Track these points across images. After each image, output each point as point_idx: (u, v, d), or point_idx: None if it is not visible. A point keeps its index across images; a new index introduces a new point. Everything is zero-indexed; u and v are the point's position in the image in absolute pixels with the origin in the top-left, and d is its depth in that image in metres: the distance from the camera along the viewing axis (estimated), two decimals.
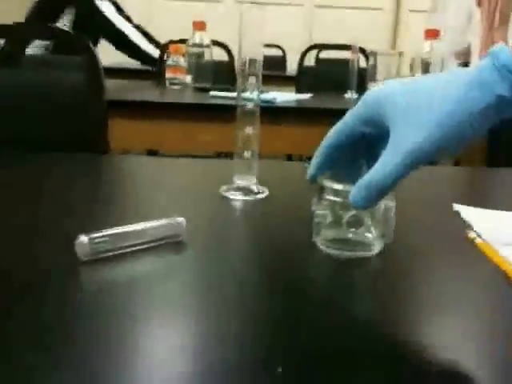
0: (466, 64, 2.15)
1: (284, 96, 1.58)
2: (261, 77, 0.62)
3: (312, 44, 2.38)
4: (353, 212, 0.45)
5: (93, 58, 0.97)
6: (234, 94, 0.63)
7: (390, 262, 0.47)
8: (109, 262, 0.42)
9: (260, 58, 0.61)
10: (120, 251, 0.43)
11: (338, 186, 0.45)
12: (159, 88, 1.90)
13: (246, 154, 0.63)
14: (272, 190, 0.64)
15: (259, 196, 0.63)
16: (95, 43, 2.36)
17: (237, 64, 0.61)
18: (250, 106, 0.62)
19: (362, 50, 2.02)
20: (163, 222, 0.46)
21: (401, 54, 1.84)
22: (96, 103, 0.99)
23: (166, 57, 1.99)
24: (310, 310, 0.37)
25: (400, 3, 4.12)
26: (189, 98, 1.64)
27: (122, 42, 2.40)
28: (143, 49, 2.43)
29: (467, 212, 0.60)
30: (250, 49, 0.61)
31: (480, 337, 0.36)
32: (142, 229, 0.45)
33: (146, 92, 1.79)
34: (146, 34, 2.53)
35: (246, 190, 0.63)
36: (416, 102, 0.40)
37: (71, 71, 1.08)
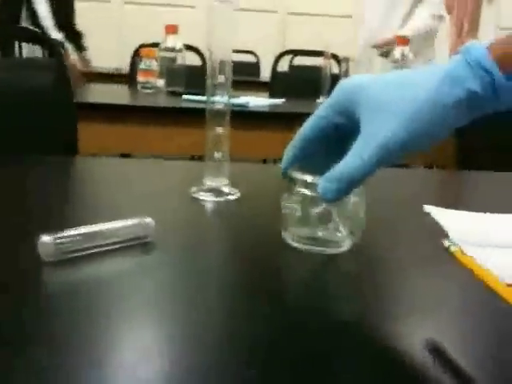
0: (387, 54, 2.12)
1: (257, 101, 1.58)
2: (231, 77, 0.61)
3: (285, 50, 2.39)
4: (322, 206, 0.44)
5: (61, 60, 0.95)
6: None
7: (361, 260, 0.47)
8: (74, 263, 0.41)
9: (229, 59, 0.60)
10: (86, 252, 0.42)
11: (309, 178, 0.44)
12: (131, 92, 1.88)
13: (217, 155, 0.62)
14: (244, 191, 0.64)
15: (230, 197, 0.62)
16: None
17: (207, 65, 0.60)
18: (219, 105, 0.61)
19: (335, 56, 2.04)
20: (131, 222, 0.45)
21: (370, 60, 1.87)
22: (65, 104, 0.97)
23: (139, 60, 1.97)
24: (283, 310, 0.37)
25: None
26: (161, 101, 1.63)
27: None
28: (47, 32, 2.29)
29: (437, 213, 0.60)
30: (220, 50, 0.60)
31: (452, 335, 0.35)
32: (109, 229, 0.44)
33: (118, 96, 1.76)
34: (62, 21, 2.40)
35: (217, 192, 0.63)
36: (388, 94, 0.40)
37: (40, 73, 1.06)
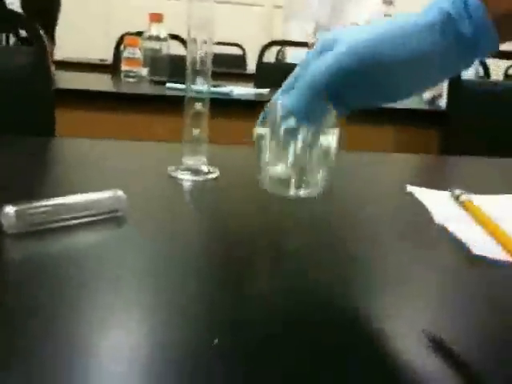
0: None
1: (241, 90, 1.56)
2: (210, 63, 0.59)
3: (271, 40, 2.37)
4: (291, 123, 0.42)
5: (41, 45, 0.93)
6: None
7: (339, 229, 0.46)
8: (39, 236, 0.39)
9: (210, 44, 0.59)
10: (52, 225, 0.40)
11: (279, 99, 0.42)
12: (114, 81, 1.85)
13: (195, 132, 0.60)
14: (222, 171, 0.62)
15: (209, 176, 0.61)
16: None
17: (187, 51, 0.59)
18: (198, 83, 0.59)
19: None
20: (101, 195, 0.43)
21: None
22: (43, 89, 0.95)
23: (123, 49, 1.94)
24: (264, 291, 0.35)
25: None
26: (144, 89, 1.60)
27: None
28: None
29: (420, 192, 0.59)
30: (200, 35, 0.58)
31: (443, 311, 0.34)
32: (78, 202, 0.42)
33: (100, 84, 1.73)
34: None
35: (196, 171, 0.61)
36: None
37: (19, 57, 1.03)
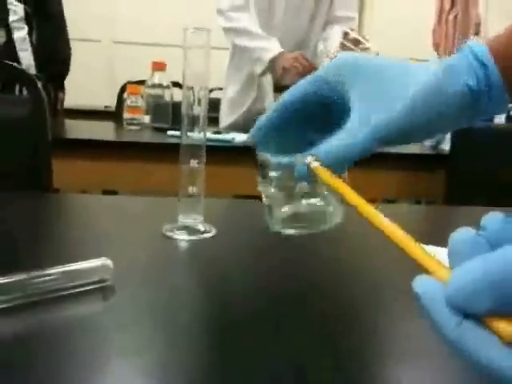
0: None
1: (243, 136, 1.55)
2: (206, 111, 0.58)
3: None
4: (304, 183, 0.39)
5: (37, 92, 0.92)
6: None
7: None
8: (17, 312, 0.36)
9: (205, 92, 0.57)
10: (32, 299, 0.37)
11: (283, 159, 0.40)
12: (116, 128, 1.86)
13: (191, 190, 0.58)
14: (220, 228, 0.59)
15: (206, 235, 0.58)
16: None
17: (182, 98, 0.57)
18: (195, 140, 0.58)
19: None
20: (86, 264, 0.41)
21: None
22: (39, 138, 0.94)
23: (126, 97, 1.95)
24: (264, 358, 0.32)
25: None
26: (145, 137, 1.60)
27: None
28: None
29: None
30: (196, 83, 0.57)
31: None
32: (59, 272, 0.39)
33: (102, 132, 1.74)
34: None
35: (192, 229, 0.58)
36: (387, 76, 0.37)
37: (17, 107, 1.03)
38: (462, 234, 0.22)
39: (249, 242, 0.60)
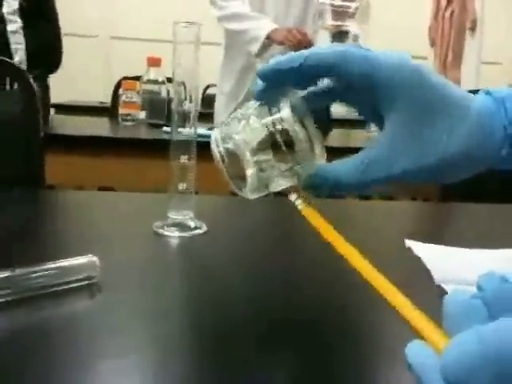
0: None
1: None
2: (198, 107, 0.57)
3: None
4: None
5: (29, 87, 0.91)
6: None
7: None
8: (1, 310, 0.36)
9: (196, 88, 0.57)
10: (17, 296, 0.37)
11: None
12: (111, 124, 1.85)
13: (181, 187, 0.57)
14: (210, 224, 0.59)
15: (196, 232, 0.57)
16: None
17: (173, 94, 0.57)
18: (184, 133, 0.57)
19: None
20: (72, 261, 0.40)
21: None
22: (31, 134, 0.93)
23: (121, 93, 1.94)
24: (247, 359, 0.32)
25: None
26: (141, 133, 1.59)
27: None
28: None
29: (418, 248, 0.56)
30: (186, 78, 0.56)
31: None
32: (44, 269, 0.39)
33: (96, 128, 1.73)
34: None
35: (182, 226, 0.58)
36: (429, 106, 0.33)
37: (8, 102, 1.02)
38: (457, 296, 0.21)
39: (239, 238, 0.60)
